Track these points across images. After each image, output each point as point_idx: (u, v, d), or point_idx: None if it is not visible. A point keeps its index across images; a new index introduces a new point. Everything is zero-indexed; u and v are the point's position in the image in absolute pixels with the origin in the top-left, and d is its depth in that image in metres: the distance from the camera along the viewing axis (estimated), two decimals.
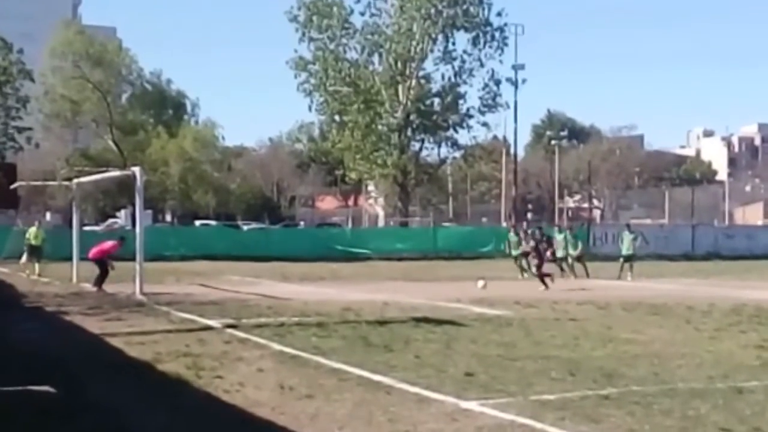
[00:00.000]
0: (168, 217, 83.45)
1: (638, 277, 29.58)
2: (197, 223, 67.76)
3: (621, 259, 30.73)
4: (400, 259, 41.87)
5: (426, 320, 16.23)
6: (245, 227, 61.54)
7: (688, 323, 16.28)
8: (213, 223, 67.29)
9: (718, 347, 13.17)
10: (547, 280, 24.78)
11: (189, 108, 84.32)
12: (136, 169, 23.18)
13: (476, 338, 13.98)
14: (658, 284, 27.17)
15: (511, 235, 32.33)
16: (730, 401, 9.28)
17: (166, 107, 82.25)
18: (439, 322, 16.02)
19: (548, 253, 27.93)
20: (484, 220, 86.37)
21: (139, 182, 22.69)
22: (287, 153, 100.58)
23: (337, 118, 56.64)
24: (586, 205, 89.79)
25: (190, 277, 28.87)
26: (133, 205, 29.26)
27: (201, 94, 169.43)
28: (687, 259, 43.91)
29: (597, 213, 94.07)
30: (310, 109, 56.17)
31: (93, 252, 23.97)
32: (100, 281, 23.19)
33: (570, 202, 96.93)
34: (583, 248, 32.20)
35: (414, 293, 22.50)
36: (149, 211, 58.00)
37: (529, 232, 29.81)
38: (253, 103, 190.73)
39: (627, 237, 31.06)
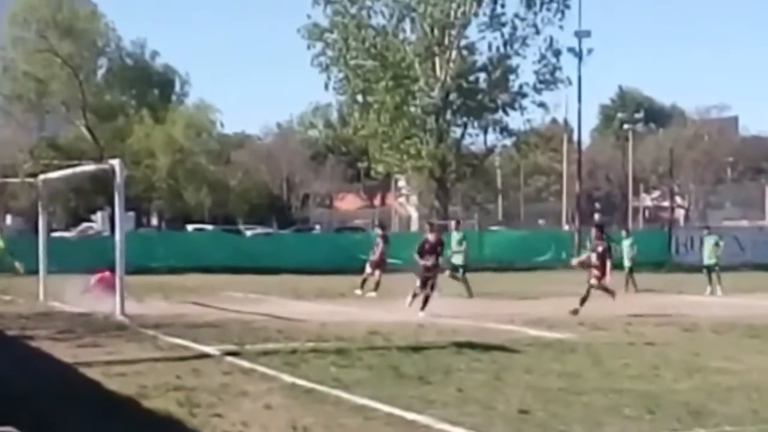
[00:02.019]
0: (154, 221, 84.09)
1: (732, 291, 29.41)
2: (190, 227, 68.03)
3: (704, 270, 30.83)
4: None
5: (470, 345, 16.26)
6: (248, 232, 61.86)
7: None
8: (209, 227, 67.66)
9: None
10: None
11: (179, 87, 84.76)
12: (115, 162, 23.27)
13: (532, 367, 13.99)
14: (757, 300, 26.99)
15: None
16: None
17: (152, 86, 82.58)
18: (487, 347, 16.05)
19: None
20: (541, 222, 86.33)
21: (118, 178, 22.77)
22: (299, 142, 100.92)
23: (360, 98, 56.65)
24: (666, 203, 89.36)
25: (181, 294, 29.03)
26: (112, 206, 29.41)
27: (194, 70, 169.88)
28: None
29: (680, 213, 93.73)
30: (326, 87, 56.11)
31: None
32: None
33: (647, 200, 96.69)
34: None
35: (456, 312, 22.48)
36: (131, 214, 58.42)
37: (376, 230, 29.94)
38: (258, 81, 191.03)
39: (708, 242, 31.20)
